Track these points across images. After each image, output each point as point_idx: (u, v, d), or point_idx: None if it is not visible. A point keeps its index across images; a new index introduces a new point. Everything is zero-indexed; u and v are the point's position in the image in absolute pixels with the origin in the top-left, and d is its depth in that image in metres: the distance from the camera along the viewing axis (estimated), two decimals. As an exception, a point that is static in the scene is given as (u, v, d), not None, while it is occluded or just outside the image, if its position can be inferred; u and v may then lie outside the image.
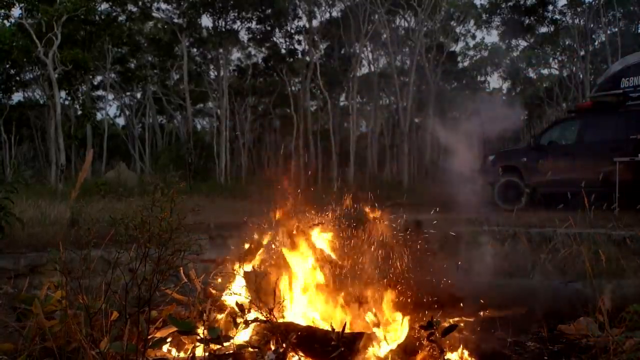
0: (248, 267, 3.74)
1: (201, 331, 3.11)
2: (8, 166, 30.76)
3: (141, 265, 2.95)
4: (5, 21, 24.59)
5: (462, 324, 4.03)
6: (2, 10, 23.75)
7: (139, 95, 40.81)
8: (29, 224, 8.65)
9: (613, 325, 3.44)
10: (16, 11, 25.12)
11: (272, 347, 3.14)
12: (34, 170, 32.06)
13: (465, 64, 42.40)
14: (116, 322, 3.13)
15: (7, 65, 27.47)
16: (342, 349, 3.05)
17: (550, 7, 34.18)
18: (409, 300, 3.83)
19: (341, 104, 39.50)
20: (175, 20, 32.63)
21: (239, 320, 3.22)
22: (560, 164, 13.48)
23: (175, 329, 3.16)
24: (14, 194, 6.80)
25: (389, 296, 3.54)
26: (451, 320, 3.89)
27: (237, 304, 3.26)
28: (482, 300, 4.44)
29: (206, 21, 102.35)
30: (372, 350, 3.22)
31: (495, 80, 45.52)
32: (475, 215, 9.84)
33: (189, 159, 27.06)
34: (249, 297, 3.38)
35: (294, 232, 3.78)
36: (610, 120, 13.25)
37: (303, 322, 3.39)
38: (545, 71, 41.14)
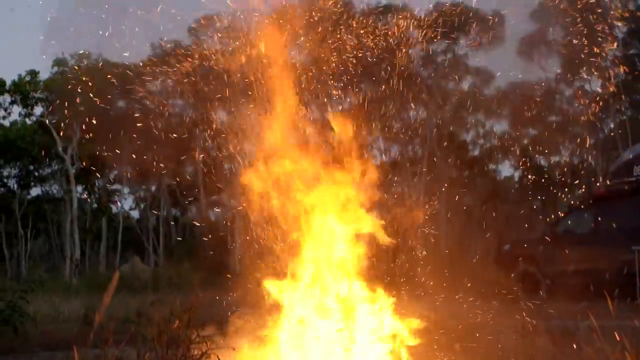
0: None
1: None
2: (24, 260, 30.86)
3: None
4: (27, 119, 25.37)
5: None
6: (25, 109, 24.55)
7: (153, 188, 41.27)
8: (43, 322, 8.58)
9: None
10: (37, 109, 26.08)
11: None
12: (48, 264, 32.08)
13: (476, 152, 42.75)
14: None
15: (27, 162, 28.09)
16: None
17: (558, 97, 34.81)
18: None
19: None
20: (190, 115, 33.36)
21: None
22: (577, 253, 13.22)
23: None
24: (29, 294, 6.81)
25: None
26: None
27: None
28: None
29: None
30: None
31: (507, 169, 45.82)
32: (491, 305, 9.65)
33: (202, 251, 26.98)
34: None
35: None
36: (626, 208, 13.15)
37: None
38: (556, 158, 41.35)
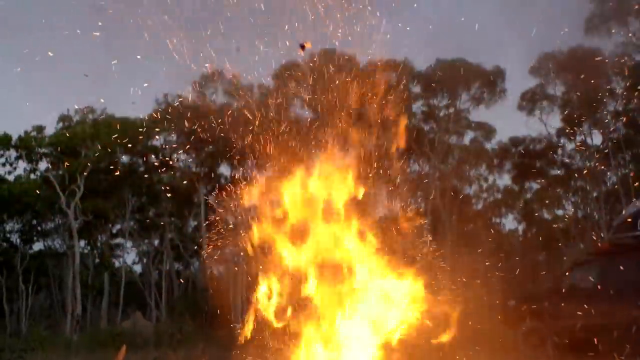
0: None
1: None
2: (24, 316, 30.54)
3: None
4: (32, 174, 25.55)
5: None
6: (30, 164, 24.75)
7: (156, 242, 41.12)
8: (42, 381, 8.46)
9: None
10: (42, 164, 26.33)
11: None
12: (49, 320, 31.74)
13: (479, 206, 42.70)
14: None
15: (30, 216, 28.14)
16: None
17: (560, 151, 35.02)
18: None
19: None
20: (194, 170, 33.57)
21: None
22: (583, 308, 12.99)
23: None
24: (28, 353, 6.74)
25: None
26: None
27: None
28: None
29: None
30: None
31: (510, 222, 45.69)
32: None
33: (205, 307, 26.73)
34: None
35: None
36: (631, 263, 12.98)
37: None
38: (559, 212, 41.24)
